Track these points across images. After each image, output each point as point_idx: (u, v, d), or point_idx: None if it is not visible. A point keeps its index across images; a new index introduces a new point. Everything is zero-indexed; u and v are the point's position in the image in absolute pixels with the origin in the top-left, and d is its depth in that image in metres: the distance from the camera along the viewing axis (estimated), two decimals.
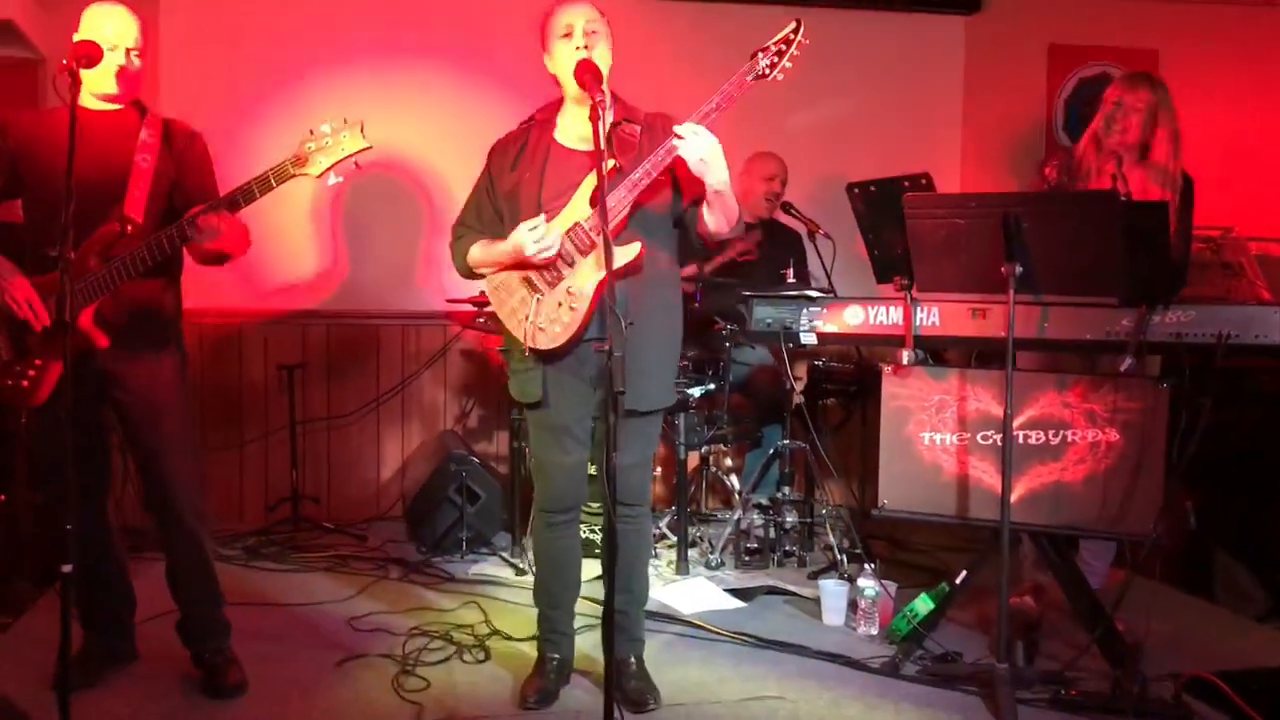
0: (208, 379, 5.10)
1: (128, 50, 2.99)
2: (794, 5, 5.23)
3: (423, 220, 5.28)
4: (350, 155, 2.94)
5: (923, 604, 3.52)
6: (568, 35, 2.95)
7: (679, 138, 2.78)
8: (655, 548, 4.49)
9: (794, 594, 4.11)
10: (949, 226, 3.15)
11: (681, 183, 2.98)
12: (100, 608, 3.23)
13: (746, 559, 4.45)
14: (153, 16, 4.91)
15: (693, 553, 4.47)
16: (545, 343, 2.98)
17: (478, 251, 3.10)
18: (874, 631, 3.71)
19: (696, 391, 4.43)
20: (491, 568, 4.41)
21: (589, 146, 2.93)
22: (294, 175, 2.92)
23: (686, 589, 4.11)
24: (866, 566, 3.91)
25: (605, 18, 3.01)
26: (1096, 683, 3.22)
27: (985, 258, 3.10)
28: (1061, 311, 3.30)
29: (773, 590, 4.15)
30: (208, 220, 2.88)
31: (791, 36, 2.79)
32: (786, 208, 4.95)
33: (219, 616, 3.25)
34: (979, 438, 3.37)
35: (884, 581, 3.81)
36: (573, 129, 3.02)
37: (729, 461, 4.93)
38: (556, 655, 3.20)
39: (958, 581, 3.48)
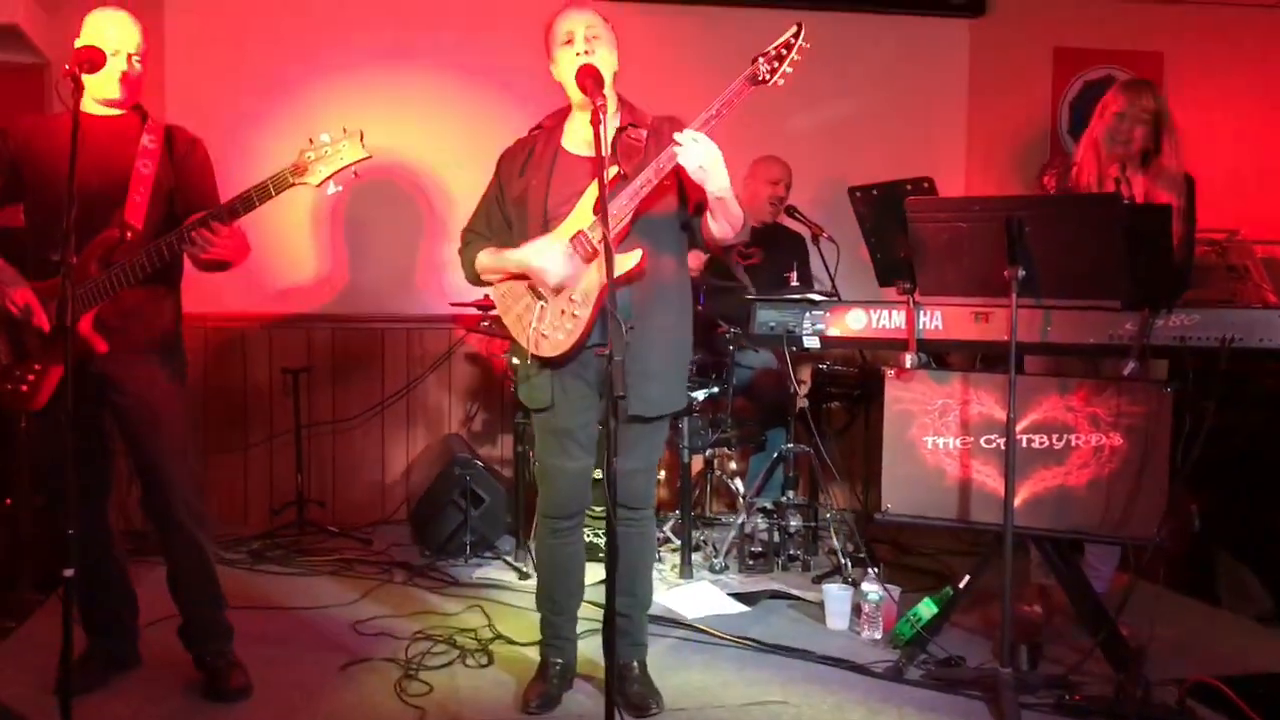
0: (212, 382, 5.10)
1: (129, 55, 3.00)
2: (798, 9, 5.24)
3: (427, 224, 5.29)
4: (349, 164, 2.93)
5: (926, 608, 3.51)
6: (569, 42, 2.95)
7: (678, 145, 2.78)
8: (659, 551, 4.48)
9: (798, 598, 4.11)
10: (951, 230, 3.15)
11: (686, 188, 2.97)
12: (102, 612, 3.23)
13: (750, 563, 4.45)
14: (157, 21, 4.93)
15: (696, 556, 4.47)
16: (549, 350, 2.98)
17: (485, 259, 3.10)
18: (878, 636, 3.70)
19: (700, 395, 4.43)
20: (495, 571, 4.41)
21: (592, 153, 2.93)
22: (293, 184, 2.91)
23: (690, 593, 4.11)
24: (870, 571, 3.91)
25: (609, 23, 3.02)
26: (1100, 687, 3.21)
27: (988, 261, 3.10)
28: (1064, 315, 3.29)
29: (776, 594, 4.14)
30: (202, 234, 2.88)
31: (792, 41, 2.77)
32: (790, 211, 4.95)
33: (221, 620, 3.25)
34: (982, 442, 3.36)
35: (888, 586, 3.80)
36: (579, 135, 3.02)
37: (733, 465, 4.92)
38: (559, 660, 3.20)
39: (961, 586, 3.48)
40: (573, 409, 3.05)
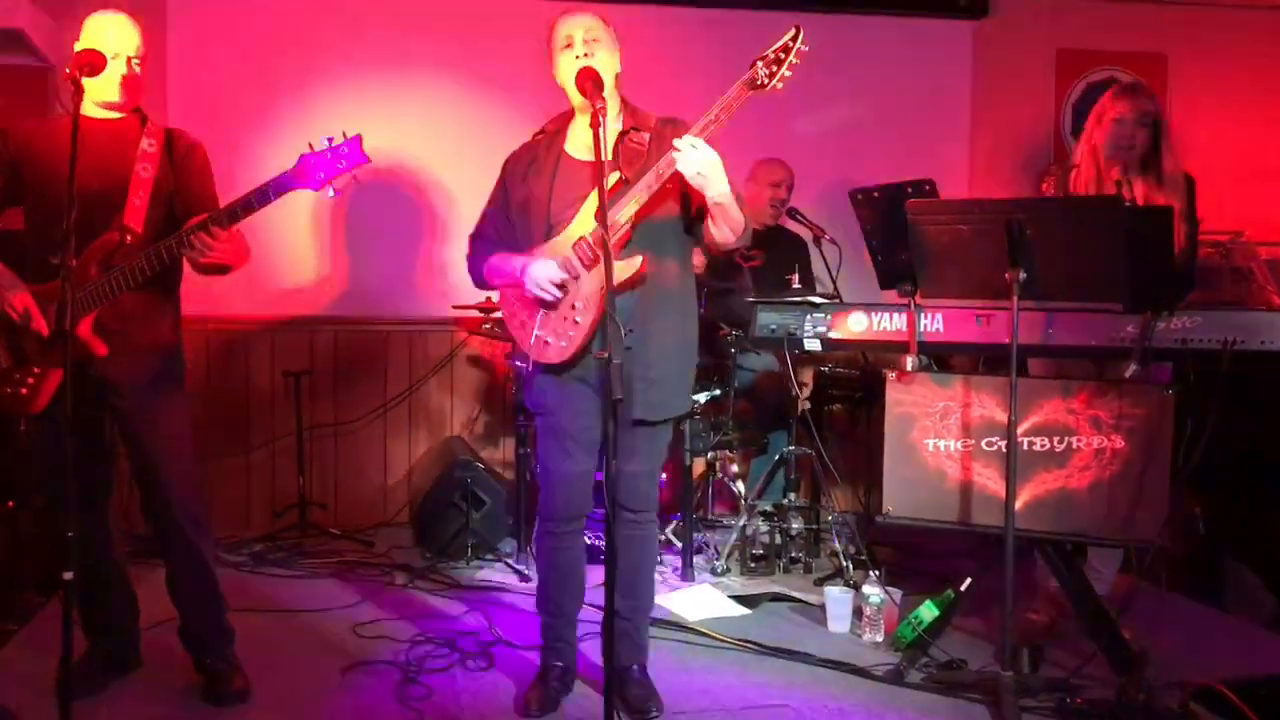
0: (215, 385, 5.10)
1: (129, 58, 2.99)
2: (800, 11, 5.25)
3: (429, 226, 5.29)
4: (349, 169, 2.93)
5: (927, 611, 3.50)
6: (568, 46, 2.95)
7: (677, 151, 2.77)
8: (660, 554, 4.47)
9: (799, 601, 4.10)
10: (952, 232, 3.14)
11: (689, 192, 2.96)
12: (102, 614, 3.24)
13: (752, 565, 4.44)
14: (160, 25, 4.94)
15: (698, 559, 4.46)
16: (552, 356, 2.99)
17: (493, 265, 3.12)
18: (879, 639, 3.70)
19: (702, 397, 4.43)
20: (496, 574, 4.41)
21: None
22: (293, 189, 2.91)
23: (691, 596, 4.10)
24: (871, 573, 3.90)
25: (610, 26, 3.02)
26: (1102, 691, 3.20)
27: (989, 263, 3.09)
28: (1066, 317, 3.29)
29: (778, 597, 4.13)
30: (201, 238, 2.88)
31: (790, 44, 2.75)
32: (792, 214, 4.95)
33: (221, 623, 3.25)
34: (983, 444, 3.35)
35: (889, 588, 3.79)
36: (581, 139, 3.02)
37: (735, 468, 4.92)
38: (559, 663, 3.20)
39: (962, 588, 3.47)
40: (575, 412, 3.05)
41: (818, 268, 4.97)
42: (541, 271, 2.93)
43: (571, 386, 3.03)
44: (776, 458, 4.60)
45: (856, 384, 4.89)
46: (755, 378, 4.89)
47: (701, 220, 2.97)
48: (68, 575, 2.50)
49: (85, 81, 2.78)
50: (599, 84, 2.79)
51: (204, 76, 5.06)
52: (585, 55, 2.92)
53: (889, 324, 3.52)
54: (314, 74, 5.14)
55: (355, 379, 5.26)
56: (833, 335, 3.61)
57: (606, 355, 2.49)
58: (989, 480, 3.34)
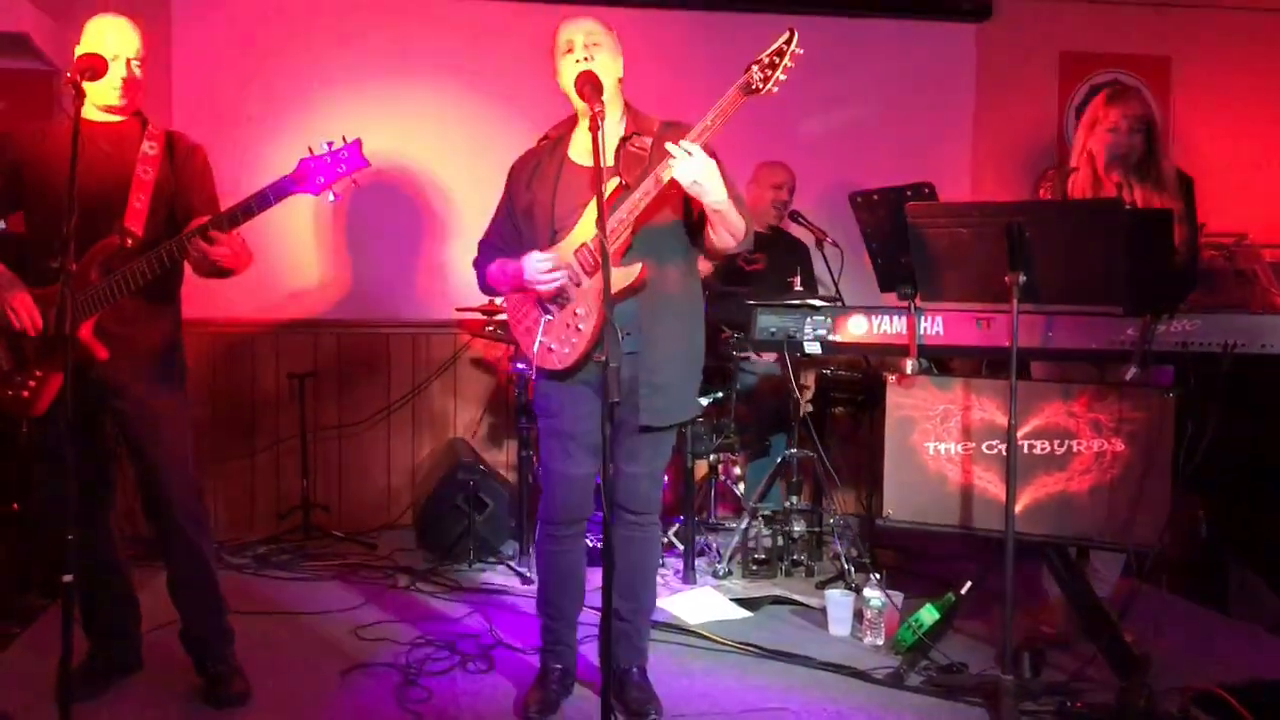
0: (219, 388, 5.12)
1: (128, 60, 3.00)
2: (804, 14, 5.26)
3: (433, 229, 5.30)
4: (349, 173, 2.94)
5: (928, 614, 3.50)
6: (570, 51, 2.95)
7: (673, 158, 2.77)
8: (663, 557, 4.47)
9: (801, 604, 4.10)
10: (952, 235, 3.14)
11: (690, 198, 2.96)
12: (103, 617, 3.25)
13: (754, 568, 4.44)
14: (164, 28, 4.96)
15: (700, 562, 4.46)
16: (555, 363, 3.00)
17: (494, 271, 3.13)
18: (880, 642, 3.69)
19: (704, 400, 4.43)
20: (499, 577, 4.42)
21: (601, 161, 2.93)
22: (293, 193, 2.92)
23: (692, 598, 4.10)
24: (872, 577, 3.89)
25: (612, 30, 3.02)
26: (1103, 695, 3.19)
27: (989, 266, 3.08)
28: (1066, 320, 3.29)
29: (779, 600, 4.13)
30: (201, 243, 2.89)
31: (784, 47, 2.74)
32: (794, 216, 4.96)
33: (222, 625, 3.26)
34: (984, 447, 3.35)
35: (890, 592, 3.79)
36: (584, 144, 3.02)
37: (737, 470, 4.92)
38: (559, 666, 3.20)
39: (963, 592, 3.47)
40: (577, 415, 3.04)
41: (820, 270, 4.97)
42: (534, 265, 2.94)
43: (575, 389, 3.03)
44: (779, 460, 4.60)
45: (858, 387, 4.88)
46: (757, 380, 4.89)
47: (703, 226, 2.97)
48: (67, 578, 2.51)
49: (86, 85, 2.79)
50: (598, 88, 2.79)
51: (208, 79, 5.07)
52: (586, 60, 2.92)
53: (889, 327, 3.52)
54: (317, 77, 5.15)
55: (359, 381, 5.27)
56: (833, 338, 3.61)
57: (604, 358, 2.49)
58: (989, 483, 3.34)
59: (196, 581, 3.21)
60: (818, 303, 3.68)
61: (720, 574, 4.39)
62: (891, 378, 3.45)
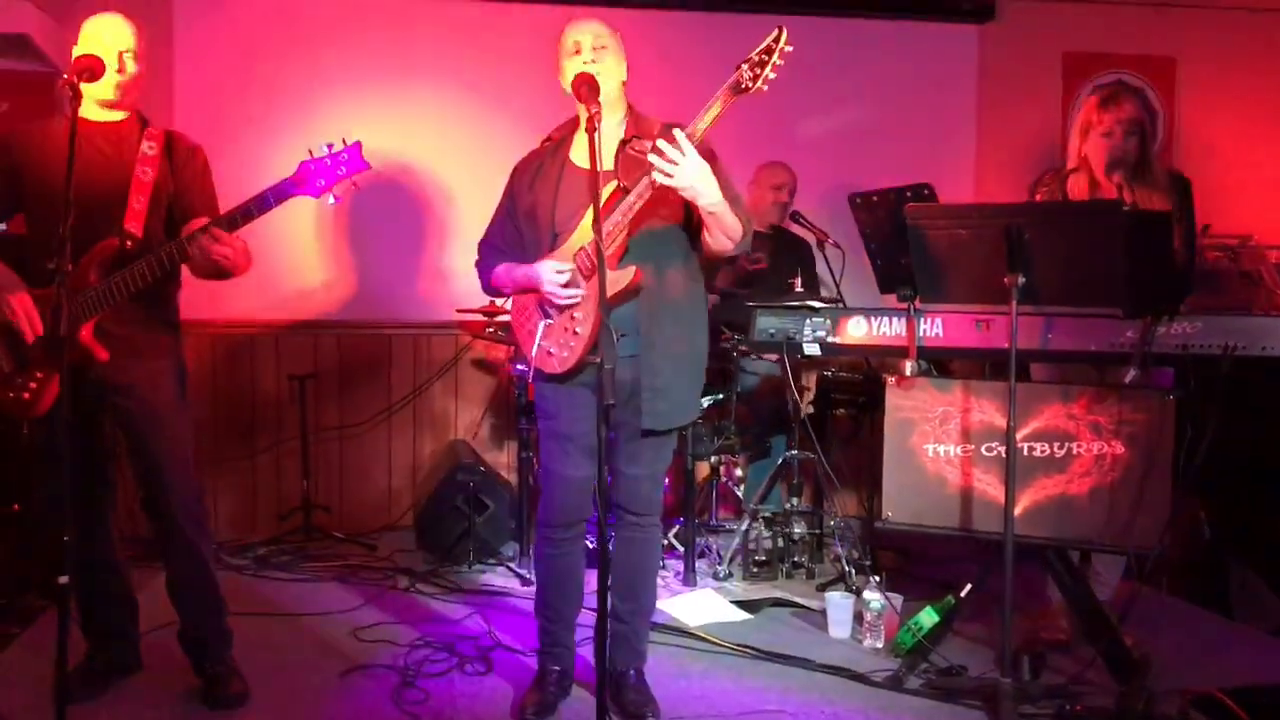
0: (220, 389, 5.12)
1: (121, 53, 2.98)
2: (805, 14, 5.26)
3: (434, 230, 5.30)
4: (349, 175, 2.93)
5: (927, 617, 3.48)
6: (576, 52, 2.95)
7: (669, 161, 2.75)
8: (663, 559, 4.47)
9: (801, 606, 4.09)
10: (951, 237, 3.13)
11: (689, 201, 2.96)
12: (102, 618, 3.25)
13: (754, 570, 4.43)
14: (166, 29, 4.97)
15: (701, 564, 4.45)
16: (555, 366, 3.00)
17: (501, 273, 3.13)
18: (879, 645, 3.68)
19: (705, 402, 4.42)
20: (498, 578, 4.41)
21: (602, 165, 2.93)
22: (292, 195, 2.92)
23: (692, 600, 4.10)
24: (872, 579, 3.89)
25: (617, 33, 3.02)
26: (1102, 698, 3.18)
27: (988, 268, 3.07)
28: (1066, 322, 3.27)
29: (779, 602, 4.12)
30: (202, 245, 2.89)
31: (773, 45, 2.71)
32: (795, 217, 4.95)
33: (221, 627, 3.26)
34: (983, 450, 3.34)
35: (889, 594, 3.78)
36: (585, 147, 3.01)
37: (739, 472, 4.91)
38: (557, 668, 3.19)
39: (963, 594, 3.46)
40: (576, 417, 3.04)
41: (821, 271, 4.96)
42: (551, 277, 2.93)
43: (574, 392, 3.03)
44: (779, 462, 4.59)
45: (859, 388, 4.87)
46: (758, 382, 4.88)
47: (699, 228, 2.97)
48: (63, 579, 2.51)
49: (84, 85, 2.79)
50: (594, 89, 2.79)
51: (209, 80, 5.08)
52: (592, 62, 2.92)
53: (889, 329, 3.51)
54: (318, 78, 5.15)
55: (360, 382, 5.27)
56: (832, 340, 3.60)
57: (599, 360, 2.49)
58: (989, 486, 3.33)
59: (196, 582, 3.21)
60: (817, 304, 3.67)
61: (720, 576, 4.38)
62: (891, 379, 3.44)
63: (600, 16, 3.08)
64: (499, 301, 4.16)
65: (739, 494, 4.82)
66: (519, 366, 4.40)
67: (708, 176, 2.77)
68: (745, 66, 2.73)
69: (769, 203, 4.93)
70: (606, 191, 2.90)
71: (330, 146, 2.93)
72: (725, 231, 2.91)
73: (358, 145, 2.94)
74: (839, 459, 4.84)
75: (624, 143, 3.00)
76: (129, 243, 2.97)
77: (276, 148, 4.82)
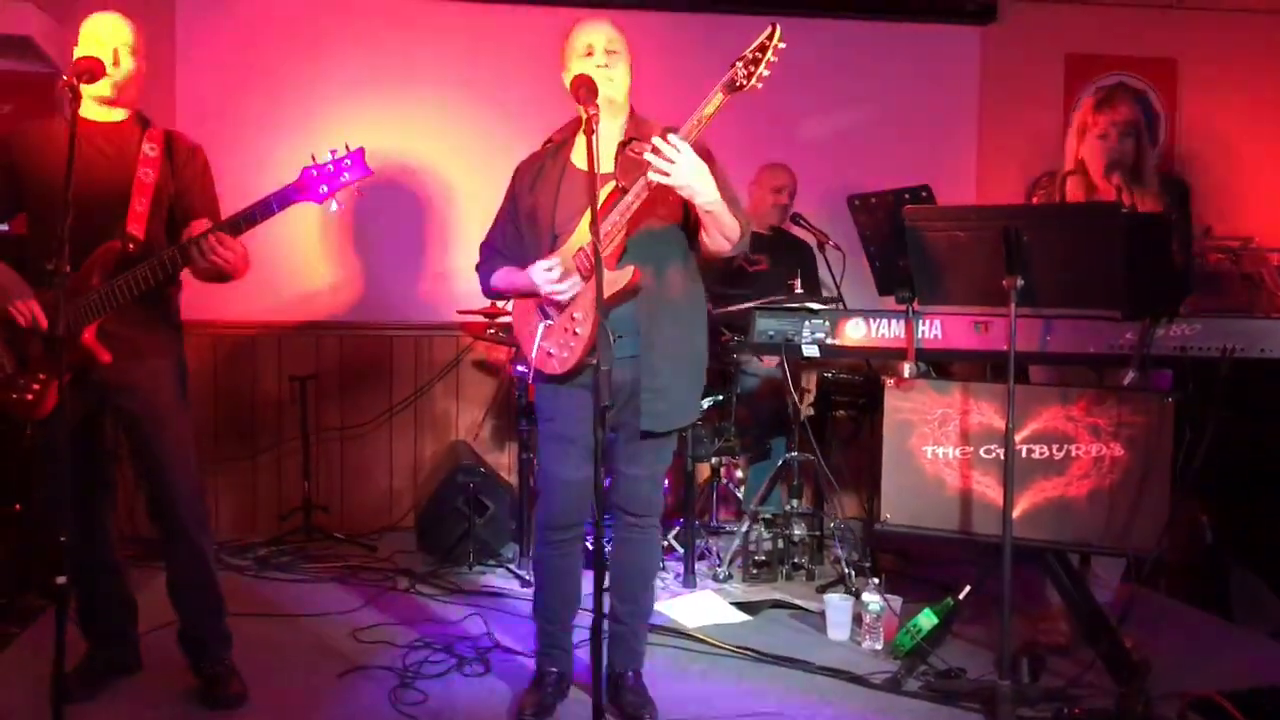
0: (221, 390, 5.13)
1: (117, 49, 2.98)
2: (809, 15, 5.26)
3: (435, 231, 5.30)
4: (351, 182, 2.93)
5: (926, 619, 3.48)
6: (588, 54, 2.95)
7: (666, 159, 2.75)
8: (663, 560, 4.47)
9: (800, 608, 4.08)
10: (949, 239, 3.13)
11: (688, 201, 2.96)
12: (101, 619, 3.26)
13: (754, 572, 4.43)
14: (168, 28, 4.98)
15: (701, 565, 4.45)
16: (555, 367, 3.00)
17: (500, 277, 3.13)
18: (878, 647, 3.68)
19: (705, 403, 4.42)
20: (498, 579, 4.42)
21: (602, 167, 2.93)
22: (295, 201, 2.92)
23: (691, 602, 4.10)
24: (871, 581, 3.88)
25: (624, 37, 3.02)
26: (1101, 701, 3.17)
27: (987, 270, 3.06)
28: (1065, 324, 3.27)
29: (779, 604, 4.12)
30: (204, 249, 2.89)
31: (767, 42, 2.70)
32: (796, 219, 4.95)
33: (220, 627, 3.27)
34: (982, 452, 3.33)
35: (888, 596, 3.77)
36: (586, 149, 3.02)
37: (739, 473, 4.91)
38: (555, 669, 3.19)
39: (961, 596, 3.45)
40: (576, 419, 3.04)
41: (822, 273, 4.96)
42: (543, 276, 2.94)
43: (574, 392, 3.03)
44: (779, 464, 4.59)
45: (860, 390, 4.86)
46: (758, 383, 4.88)
47: (697, 229, 2.97)
48: (60, 580, 2.52)
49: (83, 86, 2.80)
50: (593, 90, 2.78)
51: (211, 80, 5.09)
52: (605, 66, 2.93)
53: (887, 330, 3.51)
54: (320, 78, 5.16)
55: (361, 383, 5.28)
56: (831, 342, 3.60)
57: (595, 361, 2.49)
58: (988, 488, 3.32)
59: (197, 582, 3.22)
60: (815, 306, 3.67)
61: (720, 577, 4.38)
62: (889, 381, 3.44)
63: (603, 18, 3.07)
64: (500, 303, 4.17)
65: (739, 495, 4.81)
66: (520, 368, 4.40)
67: (704, 175, 2.78)
68: (740, 64, 2.72)
69: (769, 205, 4.93)
70: (605, 192, 2.91)
71: (333, 152, 2.93)
72: (723, 231, 2.91)
73: (360, 151, 2.93)
74: (839, 461, 4.84)
75: (623, 144, 3.01)
76: (131, 246, 2.98)
77: (278, 148, 4.83)
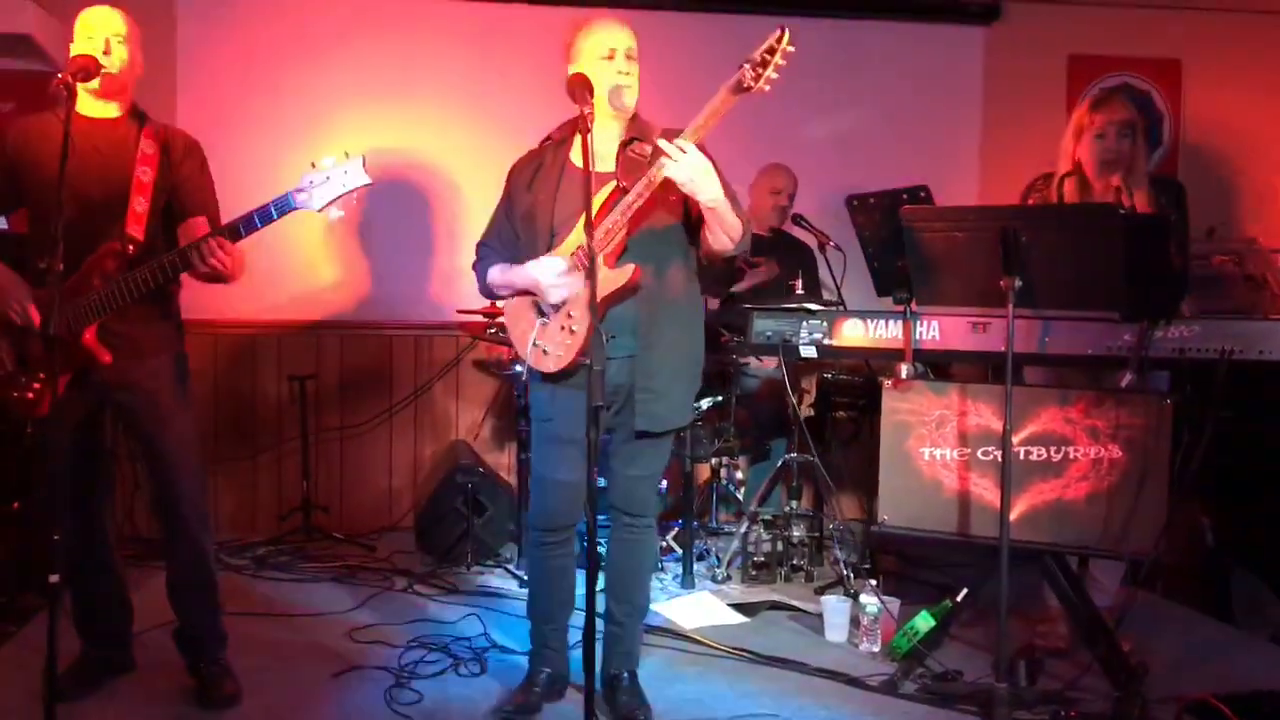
0: (221, 389, 5.14)
1: (108, 39, 2.97)
2: (812, 15, 5.25)
3: (436, 231, 5.30)
4: (351, 190, 2.92)
5: (923, 621, 3.47)
6: (610, 58, 2.93)
7: (668, 157, 2.75)
8: (662, 561, 4.46)
9: (798, 609, 4.07)
10: (947, 239, 3.12)
11: (689, 201, 2.95)
12: (98, 619, 3.26)
13: (753, 573, 4.41)
14: (169, 27, 4.98)
15: (700, 566, 4.44)
16: (550, 365, 2.99)
17: (496, 275, 3.12)
18: (876, 649, 3.67)
19: (705, 404, 4.41)
20: (496, 579, 4.41)
21: (603, 165, 2.94)
22: (295, 208, 2.91)
23: (689, 603, 4.09)
24: (869, 582, 3.87)
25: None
26: (1098, 704, 3.17)
27: (985, 271, 3.06)
28: (1063, 326, 3.26)
29: (777, 605, 4.11)
30: (205, 249, 2.89)
31: (775, 45, 2.71)
32: (798, 220, 4.94)
33: (216, 626, 3.27)
34: (979, 453, 3.32)
35: (886, 598, 3.76)
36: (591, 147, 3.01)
37: (740, 474, 4.90)
38: (546, 669, 3.19)
39: (959, 599, 3.44)
40: (571, 420, 3.02)
41: (823, 274, 4.95)
42: (547, 275, 2.93)
43: (568, 393, 3.02)
44: (779, 465, 4.58)
45: (860, 391, 4.85)
46: (758, 384, 4.87)
47: (701, 228, 2.96)
48: (54, 578, 2.52)
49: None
50: (588, 88, 2.78)
51: (212, 80, 5.09)
52: (624, 74, 2.93)
53: (885, 331, 3.50)
54: (321, 78, 5.16)
55: (361, 383, 5.28)
56: (829, 343, 3.59)
57: (588, 361, 2.49)
58: (985, 490, 3.31)
59: (197, 581, 3.22)
60: (814, 306, 3.66)
61: (719, 579, 4.37)
62: (887, 382, 3.43)
63: (621, 19, 3.05)
64: (500, 303, 4.16)
65: (739, 497, 4.80)
66: (517, 367, 4.39)
67: (709, 172, 2.78)
68: (747, 66, 2.71)
69: (768, 207, 4.92)
70: (606, 191, 2.91)
71: (333, 161, 2.92)
72: (726, 230, 2.91)
73: (360, 160, 2.93)
74: (839, 461, 4.83)
75: (624, 144, 3.01)
76: (131, 247, 2.97)
77: (280, 149, 4.84)
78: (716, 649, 3.65)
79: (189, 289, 3.22)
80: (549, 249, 3.00)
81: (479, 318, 4.64)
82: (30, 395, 3.00)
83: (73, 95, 2.76)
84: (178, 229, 3.13)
